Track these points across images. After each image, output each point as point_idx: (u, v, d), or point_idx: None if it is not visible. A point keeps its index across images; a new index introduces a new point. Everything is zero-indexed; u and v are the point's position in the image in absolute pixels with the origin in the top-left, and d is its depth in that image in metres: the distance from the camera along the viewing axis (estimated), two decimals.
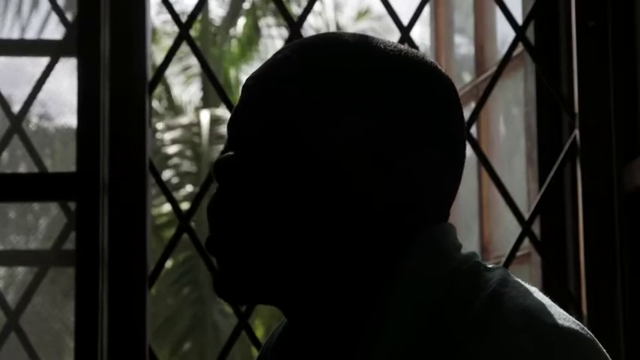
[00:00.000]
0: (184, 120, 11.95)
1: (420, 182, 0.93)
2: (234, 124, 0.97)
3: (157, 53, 11.67)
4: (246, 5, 12.56)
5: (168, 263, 10.83)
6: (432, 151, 0.94)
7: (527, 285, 0.92)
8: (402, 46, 0.98)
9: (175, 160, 11.70)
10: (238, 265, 0.92)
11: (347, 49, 0.96)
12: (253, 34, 12.42)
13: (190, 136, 11.62)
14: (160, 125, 11.95)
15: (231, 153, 0.95)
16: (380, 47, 0.96)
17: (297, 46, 0.98)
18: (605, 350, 0.88)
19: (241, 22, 12.57)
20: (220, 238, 0.93)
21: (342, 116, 0.92)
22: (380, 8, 13.37)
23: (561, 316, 0.87)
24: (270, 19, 12.50)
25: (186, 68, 12.59)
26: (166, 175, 11.61)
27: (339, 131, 0.92)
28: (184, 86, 12.81)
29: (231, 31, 12.50)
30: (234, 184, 0.93)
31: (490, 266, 0.95)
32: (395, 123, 0.93)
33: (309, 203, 0.91)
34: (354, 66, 0.95)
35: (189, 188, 11.57)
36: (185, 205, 10.36)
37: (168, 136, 11.75)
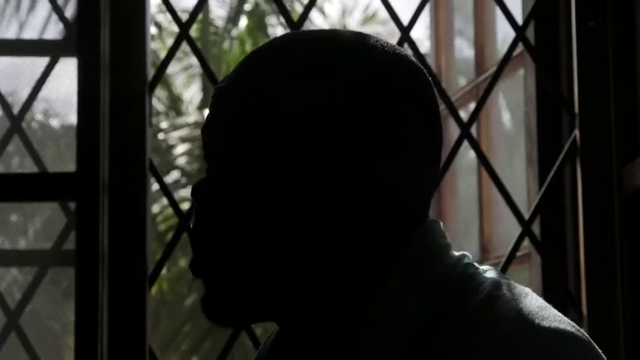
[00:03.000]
0: (190, 119, 11.92)
1: (407, 179, 0.92)
2: (211, 133, 0.94)
3: (161, 52, 11.70)
4: (248, 7, 12.55)
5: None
6: (416, 148, 0.93)
7: (520, 287, 0.91)
8: (392, 45, 0.96)
9: (182, 159, 11.66)
10: (227, 284, 0.90)
11: (332, 46, 0.94)
12: (254, 34, 12.41)
13: (196, 135, 11.59)
14: (164, 124, 11.94)
15: (205, 175, 0.92)
16: (368, 45, 0.94)
17: (274, 46, 0.95)
18: (601, 352, 0.87)
19: (242, 22, 12.56)
20: (204, 259, 0.91)
21: (328, 116, 0.91)
22: (385, 13, 13.34)
23: (556, 318, 0.87)
24: (271, 19, 12.49)
25: (186, 68, 12.58)
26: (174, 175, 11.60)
27: (325, 133, 0.90)
28: (185, 86, 12.81)
29: (232, 32, 12.49)
30: (213, 203, 0.91)
31: (482, 268, 0.94)
32: (380, 121, 0.92)
33: (296, 207, 0.89)
34: (341, 63, 0.93)
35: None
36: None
37: (174, 135, 11.72)
